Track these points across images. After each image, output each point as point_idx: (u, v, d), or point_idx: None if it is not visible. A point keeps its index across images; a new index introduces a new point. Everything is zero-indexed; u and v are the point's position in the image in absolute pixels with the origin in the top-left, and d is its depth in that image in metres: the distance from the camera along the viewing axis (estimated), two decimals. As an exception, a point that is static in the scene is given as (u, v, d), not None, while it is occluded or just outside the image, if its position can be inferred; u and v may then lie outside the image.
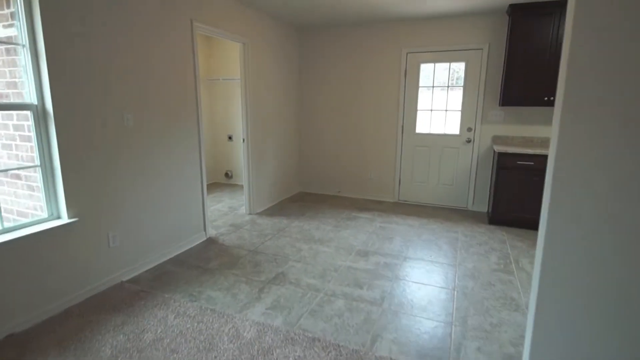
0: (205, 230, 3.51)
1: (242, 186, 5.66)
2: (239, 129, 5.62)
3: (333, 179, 5.22)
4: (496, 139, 4.23)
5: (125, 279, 2.68)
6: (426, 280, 2.75)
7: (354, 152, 5.02)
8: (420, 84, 4.50)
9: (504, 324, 2.21)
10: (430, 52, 4.36)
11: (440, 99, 4.47)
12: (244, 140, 4.12)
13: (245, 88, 3.98)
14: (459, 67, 4.30)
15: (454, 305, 2.40)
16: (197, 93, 3.23)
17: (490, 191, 4.31)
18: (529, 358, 1.62)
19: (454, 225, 3.96)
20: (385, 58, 4.59)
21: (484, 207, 4.45)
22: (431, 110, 4.53)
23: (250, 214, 4.32)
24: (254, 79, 4.06)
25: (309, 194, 5.30)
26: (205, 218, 3.48)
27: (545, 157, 3.57)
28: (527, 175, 3.68)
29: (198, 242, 3.42)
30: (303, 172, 5.41)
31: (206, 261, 3.03)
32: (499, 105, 4.13)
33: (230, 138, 5.76)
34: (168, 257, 3.08)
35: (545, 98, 3.69)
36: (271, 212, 4.43)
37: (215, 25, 3.37)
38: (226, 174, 5.94)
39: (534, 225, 3.78)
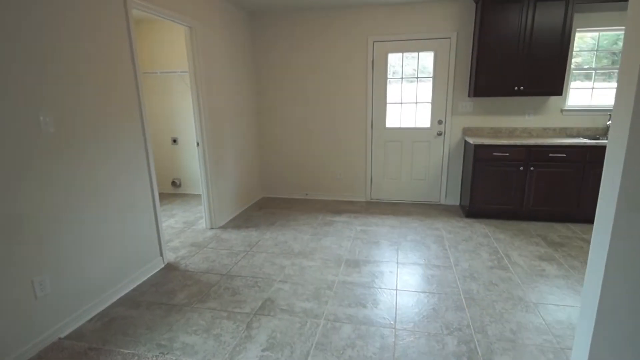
0: (162, 255, 2.91)
1: (193, 196, 5.01)
2: (184, 130, 4.97)
3: (299, 181, 4.83)
4: (466, 131, 4.18)
5: (63, 334, 2.04)
6: (429, 287, 2.50)
7: (320, 150, 4.68)
8: (389, 75, 4.29)
9: (524, 329, 2.03)
10: (398, 41, 4.16)
11: (410, 91, 4.31)
12: (198, 143, 3.55)
13: (196, 82, 3.42)
14: (428, 57, 4.16)
15: (468, 314, 2.18)
16: (137, 85, 2.62)
17: (462, 184, 4.26)
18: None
19: (434, 221, 3.82)
20: (351, 47, 4.30)
21: (455, 201, 4.40)
22: (401, 103, 4.35)
23: (212, 228, 3.76)
24: (204, 71, 3.50)
25: (273, 199, 4.85)
26: (160, 240, 2.89)
27: (521, 147, 3.57)
28: (503, 166, 3.64)
29: (155, 272, 2.82)
30: (265, 175, 4.94)
31: (170, 295, 2.48)
32: (469, 96, 4.08)
33: (174, 141, 5.07)
34: (119, 296, 2.46)
35: (516, 88, 3.68)
36: (236, 223, 3.91)
37: (152, 1, 2.76)
38: (173, 183, 5.24)
39: (511, 216, 3.79)
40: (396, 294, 2.42)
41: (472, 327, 2.06)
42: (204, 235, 3.57)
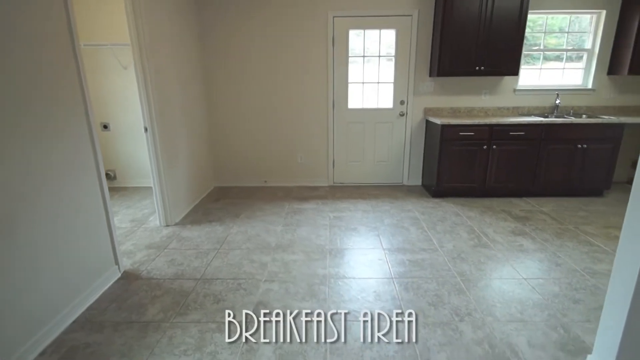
0: (117, 263, 2.43)
1: (134, 189, 4.39)
2: (117, 114, 4.27)
3: (256, 167, 4.47)
4: (428, 111, 4.20)
5: (1, 382, 1.55)
6: (424, 273, 2.45)
7: (279, 134, 4.36)
8: (350, 53, 4.09)
9: (527, 306, 2.07)
10: (359, 16, 3.97)
11: (372, 71, 4.18)
12: (146, 129, 3.02)
13: (141, 57, 2.87)
14: (390, 35, 4.05)
15: (471, 297, 2.16)
16: (77, 57, 2.07)
17: (424, 164, 4.32)
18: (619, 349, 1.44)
19: (404, 203, 3.81)
20: (310, 22, 4.00)
21: (417, 181, 4.45)
22: (363, 83, 4.20)
23: (167, 225, 3.28)
24: (150, 44, 2.94)
25: (229, 188, 4.43)
26: (114, 244, 2.40)
27: (484, 126, 3.68)
28: (468, 145, 3.74)
29: (111, 283, 2.34)
30: (218, 162, 4.47)
31: (139, 311, 2.06)
32: (430, 76, 4.08)
33: (105, 127, 4.33)
34: (73, 318, 1.97)
35: (477, 68, 3.76)
36: (195, 218, 3.47)
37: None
38: (107, 175, 4.50)
39: (475, 194, 3.93)
40: (394, 284, 2.32)
41: (479, 311, 2.04)
42: (161, 235, 3.09)
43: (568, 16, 4.05)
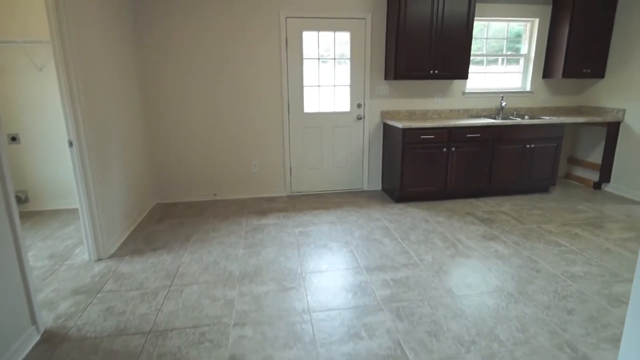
0: (35, 321, 1.84)
1: (52, 213, 3.63)
2: (29, 123, 3.48)
3: (204, 179, 3.97)
4: (385, 114, 4.08)
5: None
6: (414, 295, 2.26)
7: (230, 141, 3.91)
8: (305, 55, 3.80)
9: (529, 324, 1.98)
10: (313, 17, 3.70)
11: (328, 74, 3.93)
12: (71, 143, 2.41)
13: (64, 58, 2.27)
14: (345, 38, 3.83)
15: (471, 321, 2.01)
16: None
17: (383, 168, 4.20)
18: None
19: (369, 211, 3.63)
20: (261, 23, 3.63)
21: (377, 186, 4.33)
22: (319, 86, 3.94)
23: (100, 259, 2.69)
24: (77, 42, 2.35)
25: (173, 205, 3.87)
26: (29, 294, 1.82)
27: (444, 129, 3.64)
28: (429, 148, 3.68)
29: (26, 353, 1.76)
30: (160, 176, 3.88)
31: (70, 393, 1.54)
32: (385, 79, 3.96)
33: (14, 139, 3.51)
34: None
35: (431, 71, 3.71)
36: (136, 247, 2.90)
37: None
38: (17, 198, 3.64)
39: (438, 196, 3.90)
40: (385, 311, 2.09)
41: (482, 336, 1.89)
42: (92, 273, 2.50)
43: (506, 23, 4.21)
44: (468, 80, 4.17)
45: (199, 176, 3.94)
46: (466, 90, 4.21)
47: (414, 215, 3.51)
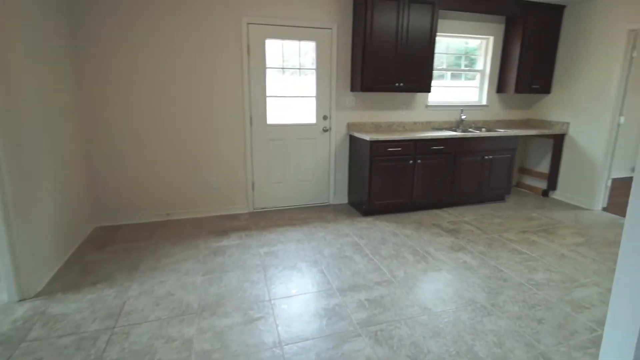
0: None
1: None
2: None
3: (154, 198, 3.59)
4: (351, 126, 4.01)
5: None
6: (391, 315, 2.12)
7: (185, 156, 3.59)
8: (268, 64, 3.62)
9: (508, 340, 1.91)
10: (276, 25, 3.55)
11: (293, 84, 3.78)
12: (-17, 160, 2.00)
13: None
14: (310, 48, 3.72)
15: (456, 340, 1.91)
16: None
17: (350, 181, 4.11)
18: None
19: (337, 226, 3.49)
20: (221, 28, 3.40)
21: (343, 199, 4.21)
22: (283, 96, 3.77)
23: (24, 299, 2.24)
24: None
25: (117, 228, 3.44)
26: None
27: (410, 141, 3.63)
28: (396, 161, 3.64)
29: None
30: (100, 195, 3.44)
31: None
32: (351, 91, 3.90)
33: None
34: None
35: (397, 84, 3.71)
36: (69, 280, 2.48)
37: None
38: None
39: (404, 208, 3.86)
40: (363, 336, 1.92)
41: (462, 355, 1.79)
42: (13, 317, 2.07)
43: (465, 40, 4.37)
44: (430, 94, 4.23)
45: (148, 194, 3.55)
46: (428, 103, 4.27)
47: (382, 228, 3.42)
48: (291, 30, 3.60)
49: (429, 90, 3.90)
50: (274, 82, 3.69)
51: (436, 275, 2.58)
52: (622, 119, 3.80)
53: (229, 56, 3.48)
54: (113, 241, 3.12)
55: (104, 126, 3.30)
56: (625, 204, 3.92)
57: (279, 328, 1.98)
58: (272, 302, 2.23)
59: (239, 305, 2.19)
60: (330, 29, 3.70)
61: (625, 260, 1.13)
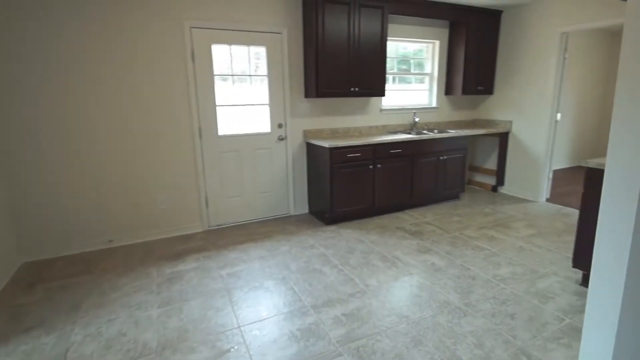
0: None
1: None
2: None
3: (92, 223, 3.19)
4: (307, 133, 3.91)
5: None
6: (370, 327, 2.03)
7: (127, 175, 3.24)
8: (216, 71, 3.41)
9: (488, 339, 1.91)
10: (223, 29, 3.36)
11: (245, 92, 3.60)
12: None
13: None
14: (261, 53, 3.57)
15: (438, 346, 1.86)
16: None
17: (310, 190, 4.00)
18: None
19: (301, 238, 3.36)
20: (161, 32, 3.13)
21: (304, 209, 4.09)
22: (234, 105, 3.57)
23: None
24: None
25: (50, 262, 3.00)
26: None
27: (369, 146, 3.61)
28: (356, 167, 3.61)
29: None
30: (28, 225, 2.98)
31: None
32: (305, 97, 3.81)
33: None
34: None
35: (352, 89, 3.69)
36: (-6, 331, 2.08)
37: None
38: None
39: (366, 214, 3.84)
40: (350, 357, 1.80)
41: (446, 363, 1.74)
42: None
43: (413, 44, 4.50)
44: (384, 98, 4.27)
45: (85, 220, 3.15)
46: (383, 107, 4.31)
47: (347, 237, 3.35)
48: (239, 35, 3.43)
49: (383, 94, 3.93)
50: (223, 90, 3.49)
51: (408, 279, 2.55)
52: (558, 116, 4.12)
53: (173, 64, 3.22)
54: (46, 278, 2.70)
55: (29, 148, 2.87)
56: (565, 194, 4.22)
57: (253, 358, 1.80)
58: (242, 328, 2.04)
59: (205, 338, 1.97)
60: (281, 33, 3.59)
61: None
